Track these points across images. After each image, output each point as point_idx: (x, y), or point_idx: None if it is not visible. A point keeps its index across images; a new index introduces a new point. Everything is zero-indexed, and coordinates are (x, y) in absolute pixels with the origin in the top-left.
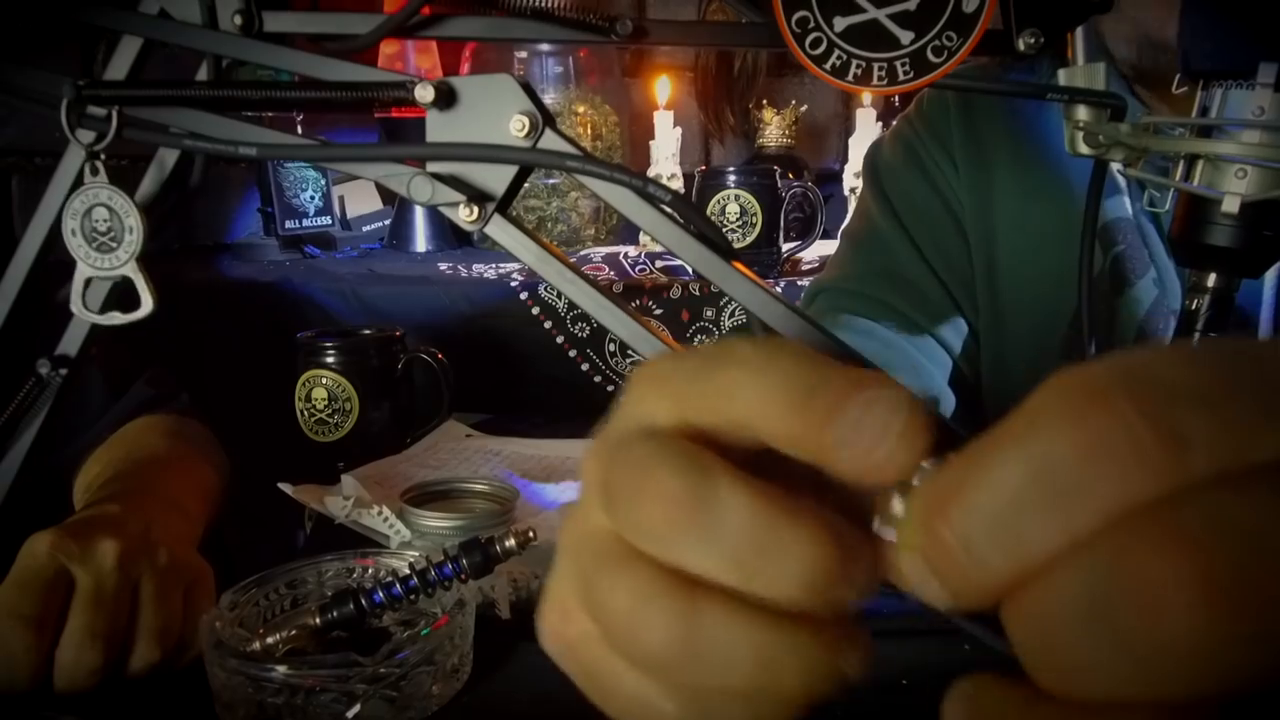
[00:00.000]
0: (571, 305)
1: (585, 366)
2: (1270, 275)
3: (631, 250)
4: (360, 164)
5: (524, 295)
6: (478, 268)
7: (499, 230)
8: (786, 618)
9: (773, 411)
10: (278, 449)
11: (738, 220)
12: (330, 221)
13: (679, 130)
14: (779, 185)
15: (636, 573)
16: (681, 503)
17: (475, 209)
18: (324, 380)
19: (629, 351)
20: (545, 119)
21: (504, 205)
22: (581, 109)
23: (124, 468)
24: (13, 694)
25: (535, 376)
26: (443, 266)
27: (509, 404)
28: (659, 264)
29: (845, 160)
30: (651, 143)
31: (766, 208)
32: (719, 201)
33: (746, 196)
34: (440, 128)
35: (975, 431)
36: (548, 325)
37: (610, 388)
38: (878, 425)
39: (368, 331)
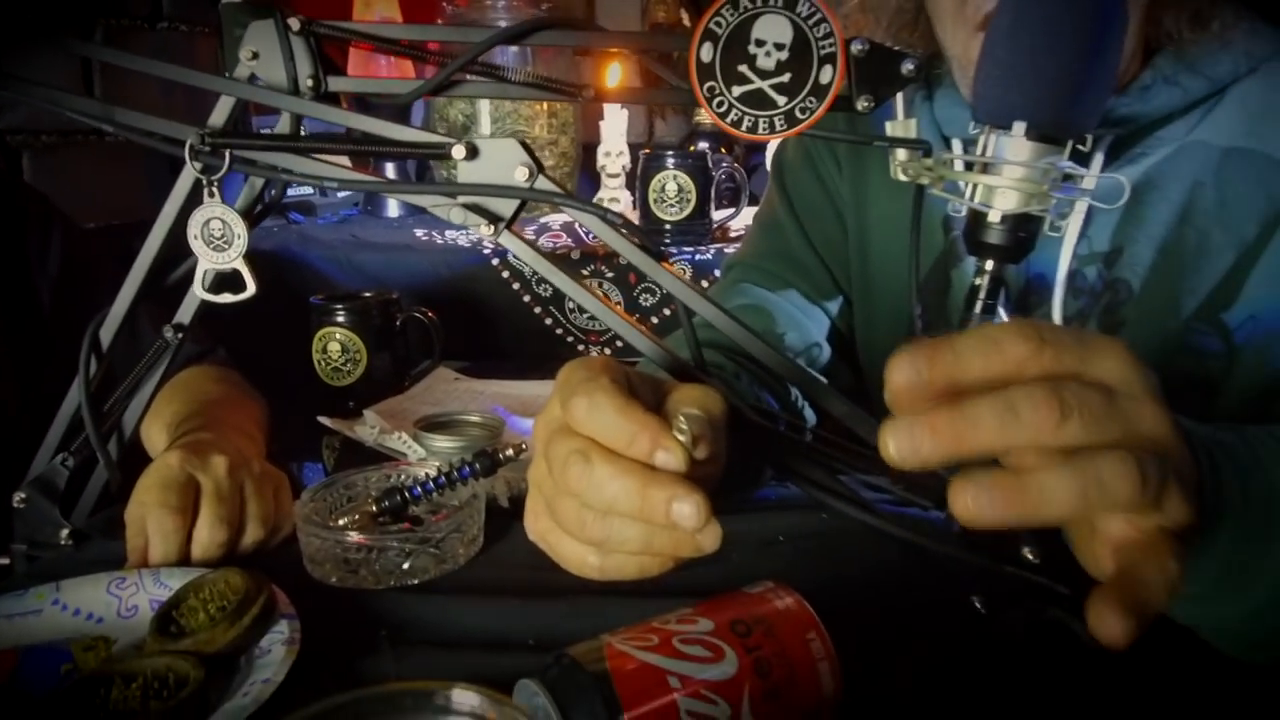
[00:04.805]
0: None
1: (549, 321)
2: (1066, 253)
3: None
4: (416, 196)
5: (495, 261)
6: (450, 234)
7: (508, 240)
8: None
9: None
10: (294, 392)
11: (676, 196)
12: (310, 190)
13: (625, 111)
14: (710, 165)
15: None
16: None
17: (492, 227)
18: (337, 335)
19: (585, 310)
20: (539, 168)
21: (510, 224)
22: None
23: (196, 408)
24: (165, 565)
25: (506, 330)
26: (419, 233)
27: (485, 353)
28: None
29: None
30: (601, 122)
31: (700, 185)
32: (659, 180)
33: (683, 176)
34: (468, 172)
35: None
36: (516, 287)
37: (570, 339)
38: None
39: (369, 294)
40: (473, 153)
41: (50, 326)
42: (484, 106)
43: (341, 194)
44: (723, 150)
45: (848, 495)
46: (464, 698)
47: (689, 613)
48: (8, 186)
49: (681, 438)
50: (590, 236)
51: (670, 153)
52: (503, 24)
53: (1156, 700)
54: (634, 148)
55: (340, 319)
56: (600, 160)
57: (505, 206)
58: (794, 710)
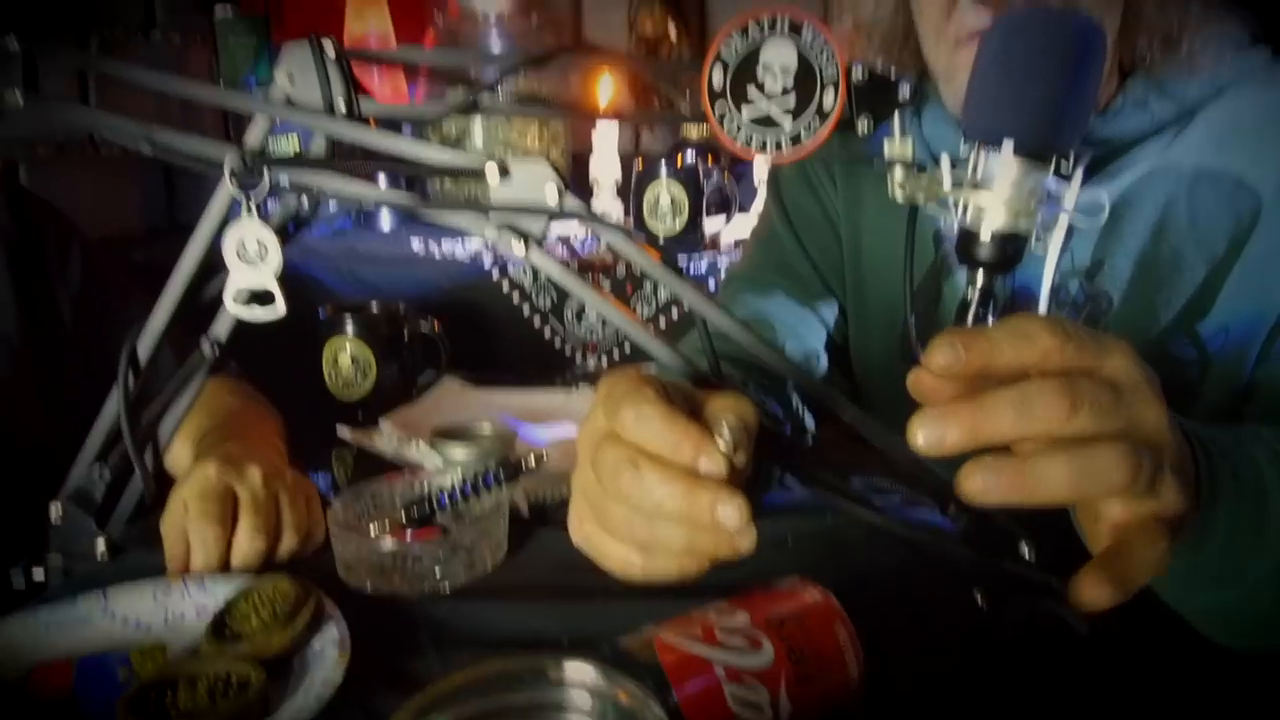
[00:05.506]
0: (535, 280)
1: (548, 332)
2: (1049, 268)
3: (579, 231)
4: (450, 215)
5: (495, 274)
6: (447, 246)
7: (537, 257)
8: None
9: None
10: (299, 404)
11: (670, 208)
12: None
13: (616, 123)
14: (701, 178)
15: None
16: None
17: (523, 244)
18: (347, 347)
19: (582, 317)
20: (566, 186)
21: (540, 241)
22: None
23: (219, 420)
24: (206, 572)
25: (506, 340)
26: (415, 245)
27: (484, 363)
28: (604, 242)
29: None
30: (593, 133)
31: (691, 197)
32: (653, 190)
33: (675, 187)
34: (501, 192)
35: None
36: (515, 299)
37: (569, 349)
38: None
39: (376, 306)
40: (505, 173)
41: (71, 339)
42: (477, 120)
43: (333, 205)
44: (710, 160)
45: (860, 499)
46: (575, 670)
47: (726, 606)
48: (25, 200)
49: (723, 445)
50: (585, 249)
51: (663, 165)
52: (494, 39)
53: (1143, 684)
54: (621, 158)
55: (349, 330)
56: (592, 172)
57: (536, 223)
58: (825, 693)
